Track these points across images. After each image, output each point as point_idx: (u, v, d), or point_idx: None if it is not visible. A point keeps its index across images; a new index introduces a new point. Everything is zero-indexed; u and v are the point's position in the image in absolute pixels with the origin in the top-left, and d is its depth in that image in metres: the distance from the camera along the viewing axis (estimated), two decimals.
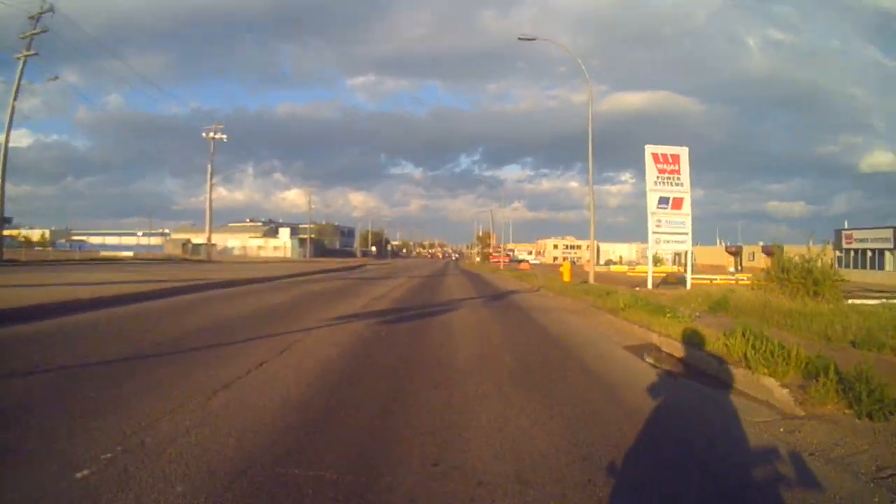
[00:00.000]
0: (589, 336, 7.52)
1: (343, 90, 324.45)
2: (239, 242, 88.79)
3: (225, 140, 42.58)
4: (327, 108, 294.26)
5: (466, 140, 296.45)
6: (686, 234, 22.72)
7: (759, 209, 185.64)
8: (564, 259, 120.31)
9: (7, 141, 24.06)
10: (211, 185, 43.61)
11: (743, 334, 5.24)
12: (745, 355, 4.90)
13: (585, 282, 20.90)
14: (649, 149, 22.54)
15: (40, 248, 49.59)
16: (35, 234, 76.10)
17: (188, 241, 71.50)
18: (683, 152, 22.93)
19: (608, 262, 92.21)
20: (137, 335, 6.01)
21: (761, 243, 70.70)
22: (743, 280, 39.61)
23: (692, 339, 6.18)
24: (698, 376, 5.02)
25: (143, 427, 2.96)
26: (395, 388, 4.15)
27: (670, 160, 22.57)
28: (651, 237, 22.08)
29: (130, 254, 50.16)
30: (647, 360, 5.82)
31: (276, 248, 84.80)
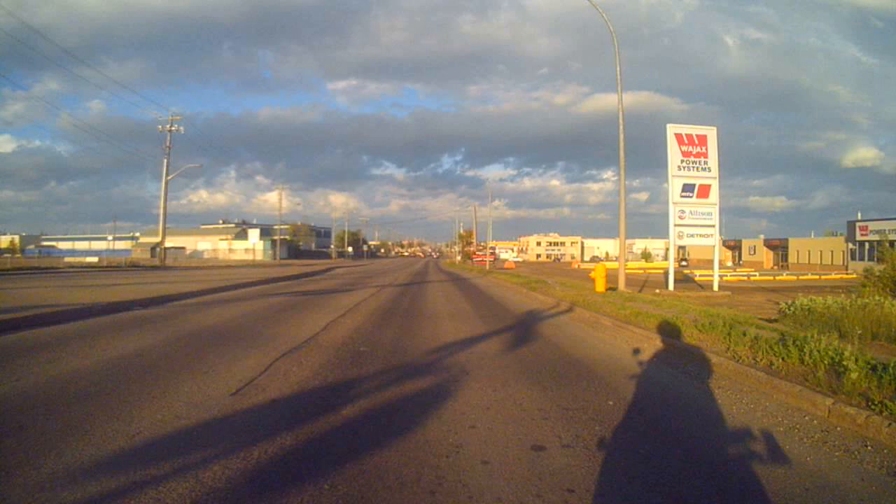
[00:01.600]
0: None
1: (324, 94, 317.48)
2: (210, 245, 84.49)
3: (182, 132, 39.63)
4: (309, 111, 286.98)
5: (449, 141, 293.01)
6: (713, 226, 18.45)
7: (740, 204, 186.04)
8: (549, 256, 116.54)
9: None
10: (166, 182, 40.13)
11: None
12: None
13: (614, 288, 15.93)
14: (672, 128, 18.18)
15: (8, 256, 46.04)
16: (4, 241, 71.37)
17: (158, 244, 66.57)
18: (712, 133, 18.50)
19: (593, 258, 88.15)
20: None
21: (762, 237, 67.21)
22: (755, 275, 35.97)
23: None
24: None
25: None
26: None
27: (696, 141, 18.20)
28: (672, 230, 17.99)
29: (95, 259, 48.70)
30: None
31: (246, 250, 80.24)
